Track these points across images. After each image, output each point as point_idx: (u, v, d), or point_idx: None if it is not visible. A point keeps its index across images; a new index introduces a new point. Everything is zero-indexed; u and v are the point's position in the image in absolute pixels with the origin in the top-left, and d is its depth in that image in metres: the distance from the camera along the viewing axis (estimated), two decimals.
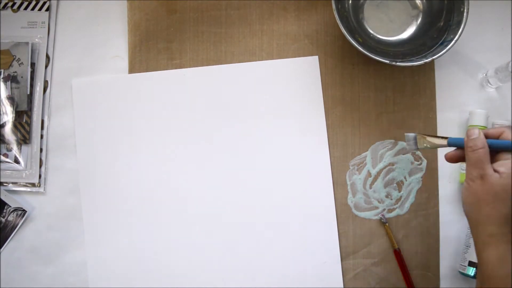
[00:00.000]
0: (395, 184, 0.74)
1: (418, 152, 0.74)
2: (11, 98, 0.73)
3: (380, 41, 0.74)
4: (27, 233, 0.73)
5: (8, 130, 0.73)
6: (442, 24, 0.71)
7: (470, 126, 0.72)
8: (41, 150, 0.74)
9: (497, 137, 0.57)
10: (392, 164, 0.74)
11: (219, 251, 0.72)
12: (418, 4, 0.74)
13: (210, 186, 0.73)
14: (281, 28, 0.75)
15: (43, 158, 0.74)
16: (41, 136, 0.74)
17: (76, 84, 0.74)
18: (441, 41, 0.70)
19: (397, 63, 0.67)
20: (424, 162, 0.74)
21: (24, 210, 0.73)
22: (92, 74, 0.75)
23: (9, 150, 0.73)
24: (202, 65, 0.74)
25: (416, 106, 0.74)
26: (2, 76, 0.73)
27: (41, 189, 0.73)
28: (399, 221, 0.73)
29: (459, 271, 0.72)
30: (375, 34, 0.74)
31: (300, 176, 0.73)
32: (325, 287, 0.72)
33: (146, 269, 0.72)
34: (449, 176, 0.74)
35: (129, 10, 0.75)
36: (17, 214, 0.72)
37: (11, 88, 0.73)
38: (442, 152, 0.73)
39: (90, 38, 0.75)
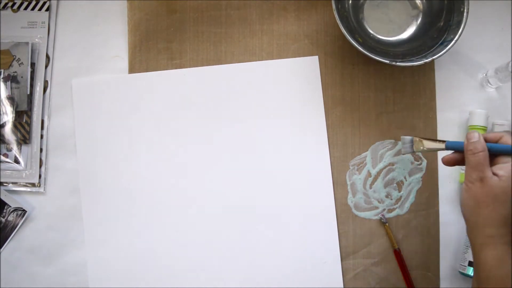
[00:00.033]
0: (395, 184, 0.74)
1: (418, 152, 0.74)
2: (11, 98, 0.73)
3: (380, 41, 0.74)
4: (27, 233, 0.73)
5: (8, 130, 0.73)
6: (442, 24, 0.71)
7: (470, 126, 0.72)
8: (41, 150, 0.74)
9: (496, 142, 0.58)
10: (392, 164, 0.74)
11: (219, 251, 0.72)
12: (418, 4, 0.74)
13: (210, 186, 0.73)
14: (281, 28, 0.75)
15: (43, 158, 0.74)
16: (41, 136, 0.74)
17: (76, 84, 0.74)
18: (441, 41, 0.70)
19: (397, 63, 0.67)
20: (424, 162, 0.74)
21: (24, 210, 0.73)
22: (92, 74, 0.75)
23: (9, 150, 0.73)
24: (202, 65, 0.74)
25: (416, 106, 0.74)
26: (2, 76, 0.73)
27: (41, 189, 0.73)
28: (399, 221, 0.73)
29: (459, 271, 0.72)
30: (375, 34, 0.74)
31: (300, 176, 0.73)
32: (325, 287, 0.72)
33: (146, 269, 0.72)
34: (449, 176, 0.74)
35: (129, 10, 0.75)
36: (17, 214, 0.72)
37: (11, 88, 0.73)
38: (442, 153, 0.73)
39: (90, 38, 0.75)
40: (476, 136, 0.57)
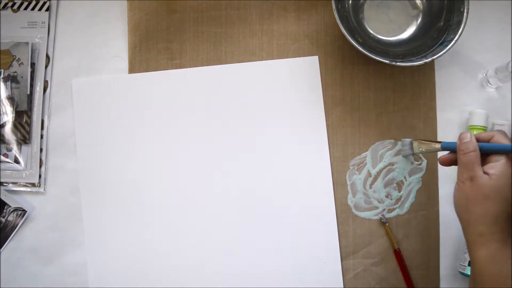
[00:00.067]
0: (395, 184, 0.74)
1: (418, 154, 0.74)
2: (11, 98, 0.73)
3: (380, 41, 0.74)
4: (27, 233, 0.73)
5: (8, 130, 0.73)
6: (442, 24, 0.71)
7: (470, 126, 0.72)
8: (41, 150, 0.74)
9: (488, 141, 0.59)
10: (392, 164, 0.74)
11: (219, 251, 0.72)
12: (418, 4, 0.74)
13: (210, 186, 0.73)
14: (281, 28, 0.75)
15: (43, 158, 0.74)
16: (41, 136, 0.74)
17: (76, 84, 0.74)
18: (441, 41, 0.70)
19: (397, 63, 0.67)
20: (424, 162, 0.74)
21: (24, 210, 0.73)
22: (92, 74, 0.75)
23: (9, 150, 0.73)
24: (202, 65, 0.74)
25: (416, 106, 0.74)
26: (2, 76, 0.73)
27: (41, 189, 0.73)
28: (399, 221, 0.73)
29: (459, 271, 0.72)
30: (375, 34, 0.74)
31: (300, 176, 0.73)
32: (325, 287, 0.72)
33: (146, 269, 0.72)
34: (449, 176, 0.74)
35: (129, 10, 0.75)
36: (17, 214, 0.72)
37: (11, 88, 0.73)
38: (442, 153, 0.73)
39: (90, 38, 0.75)
40: (468, 136, 0.59)
